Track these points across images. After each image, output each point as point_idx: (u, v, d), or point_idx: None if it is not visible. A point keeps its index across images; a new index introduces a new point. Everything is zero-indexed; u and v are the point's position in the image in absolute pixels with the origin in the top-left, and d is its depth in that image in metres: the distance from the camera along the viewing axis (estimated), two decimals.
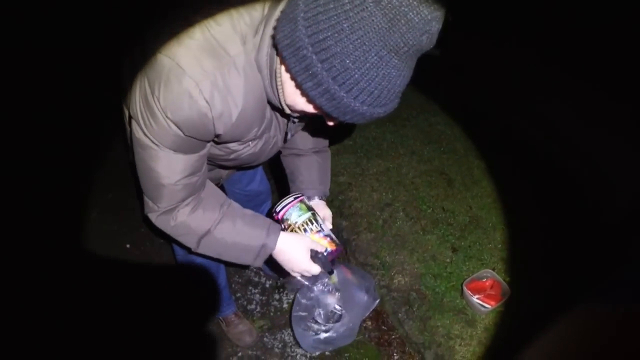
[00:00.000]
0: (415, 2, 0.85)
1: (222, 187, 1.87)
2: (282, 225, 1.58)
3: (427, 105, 3.85)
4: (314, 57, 0.93)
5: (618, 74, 2.84)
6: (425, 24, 0.87)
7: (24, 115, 3.43)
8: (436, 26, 0.89)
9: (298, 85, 1.02)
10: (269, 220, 1.46)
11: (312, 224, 1.58)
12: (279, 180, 1.74)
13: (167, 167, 1.21)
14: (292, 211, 1.59)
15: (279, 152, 1.77)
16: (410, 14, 0.85)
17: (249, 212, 1.45)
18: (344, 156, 3.27)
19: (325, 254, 1.56)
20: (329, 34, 0.89)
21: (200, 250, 1.40)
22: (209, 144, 1.29)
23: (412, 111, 3.75)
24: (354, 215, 2.88)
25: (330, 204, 2.95)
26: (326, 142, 1.80)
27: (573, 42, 3.17)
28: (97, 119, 3.70)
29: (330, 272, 1.65)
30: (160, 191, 1.26)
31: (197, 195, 1.34)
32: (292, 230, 1.56)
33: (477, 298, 2.30)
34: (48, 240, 2.83)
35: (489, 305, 2.28)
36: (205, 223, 1.35)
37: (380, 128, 3.51)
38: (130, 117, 1.20)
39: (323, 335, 2.27)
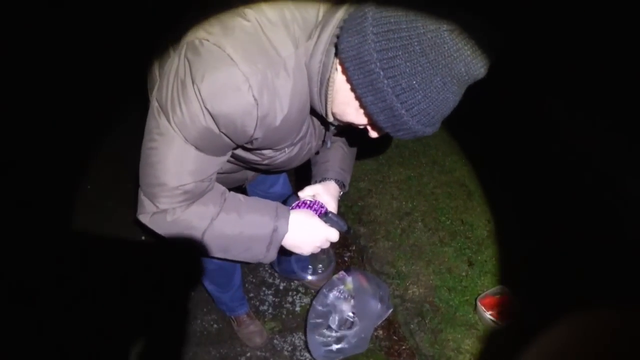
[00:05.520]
0: (483, 36, 0.90)
1: (244, 189, 1.87)
2: None
3: (450, 115, 3.82)
4: (381, 72, 0.94)
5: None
6: (487, 57, 0.92)
7: (45, 106, 3.52)
8: (493, 59, 0.94)
9: (357, 97, 1.04)
10: (275, 203, 1.36)
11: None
12: (301, 182, 1.77)
13: (179, 163, 1.14)
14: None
15: None
16: (478, 46, 0.90)
17: (252, 198, 1.35)
18: (366, 162, 3.29)
19: (329, 210, 1.47)
20: (399, 53, 0.92)
21: (205, 248, 1.30)
22: (229, 153, 1.25)
23: None
24: (373, 222, 2.90)
25: (349, 209, 2.98)
26: (345, 138, 1.75)
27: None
28: (119, 107, 3.78)
29: (348, 229, 1.50)
30: (164, 189, 1.17)
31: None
32: None
33: (490, 314, 2.32)
34: (64, 231, 2.90)
35: (501, 322, 2.29)
36: (207, 215, 1.24)
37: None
38: (154, 103, 1.14)
39: (335, 346, 2.30)
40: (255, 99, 1.03)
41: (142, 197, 1.22)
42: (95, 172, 3.36)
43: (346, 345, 2.30)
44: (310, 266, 2.70)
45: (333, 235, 1.40)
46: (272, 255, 1.34)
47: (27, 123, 3.35)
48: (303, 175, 1.75)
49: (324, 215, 1.43)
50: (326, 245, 1.42)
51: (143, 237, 2.94)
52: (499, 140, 3.39)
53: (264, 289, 2.80)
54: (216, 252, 1.32)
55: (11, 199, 2.91)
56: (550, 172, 3.19)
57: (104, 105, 3.75)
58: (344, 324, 2.34)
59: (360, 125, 1.16)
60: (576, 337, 0.62)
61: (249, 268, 2.87)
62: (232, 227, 1.27)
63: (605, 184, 2.94)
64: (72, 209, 3.09)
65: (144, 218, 1.23)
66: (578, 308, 0.60)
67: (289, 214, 1.34)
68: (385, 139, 1.23)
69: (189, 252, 1.34)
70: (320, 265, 2.71)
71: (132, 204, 2.90)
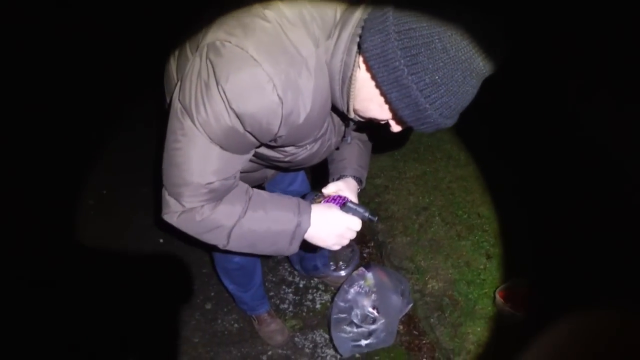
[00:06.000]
0: (498, 34, 0.95)
1: (263, 188, 1.90)
2: None
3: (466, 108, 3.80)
4: (405, 69, 0.98)
5: None
6: (501, 52, 0.97)
7: (52, 110, 3.60)
8: (508, 52, 0.98)
9: (382, 94, 1.07)
10: (296, 198, 1.39)
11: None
12: (318, 180, 1.78)
13: (204, 162, 1.16)
14: None
15: None
16: (495, 42, 0.96)
17: (275, 194, 1.38)
18: (381, 159, 3.32)
19: (348, 199, 1.49)
20: (422, 50, 0.95)
21: (231, 245, 1.32)
22: (252, 151, 1.28)
23: None
24: (390, 218, 2.93)
25: (366, 206, 2.99)
26: (365, 134, 1.77)
27: None
28: (133, 112, 3.83)
29: (372, 216, 1.49)
30: (189, 188, 1.19)
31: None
32: None
33: (509, 306, 2.33)
34: (82, 234, 2.97)
35: (520, 314, 2.30)
36: (234, 214, 1.27)
37: (418, 132, 3.46)
38: (177, 105, 1.15)
39: (364, 341, 2.33)
40: (279, 98, 1.05)
41: (167, 197, 1.24)
42: (111, 177, 3.43)
43: (374, 340, 2.33)
44: (332, 263, 2.74)
45: (354, 223, 1.41)
46: (295, 248, 1.37)
47: (44, 129, 3.42)
48: (320, 172, 1.77)
49: (343, 205, 1.45)
50: (351, 234, 1.43)
51: (161, 240, 3.00)
52: (514, 132, 3.38)
53: (284, 287, 2.83)
54: (243, 248, 1.35)
55: (28, 204, 2.97)
56: (567, 164, 3.17)
57: (119, 110, 3.82)
58: (366, 319, 2.37)
59: (382, 120, 1.19)
60: (576, 337, 0.62)
61: (269, 267, 2.90)
62: (259, 224, 1.30)
63: (624, 176, 2.91)
64: (89, 214, 3.16)
65: (170, 218, 1.25)
66: (580, 307, 0.62)
67: (310, 209, 1.36)
68: (400, 135, 1.26)
69: (213, 249, 1.36)
70: (341, 263, 2.74)
71: (148, 207, 2.94)
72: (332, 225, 1.39)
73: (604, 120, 3.09)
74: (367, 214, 1.47)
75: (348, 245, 1.72)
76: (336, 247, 1.45)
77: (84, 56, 4.13)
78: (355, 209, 1.46)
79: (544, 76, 3.43)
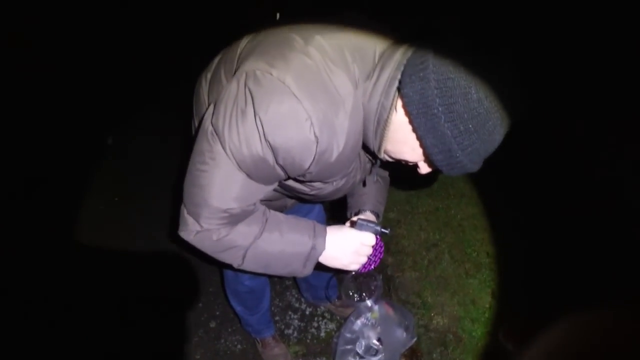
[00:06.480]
0: (525, 84, 1.02)
1: None
2: None
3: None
4: (442, 117, 1.01)
5: None
6: (527, 103, 1.03)
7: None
8: (532, 101, 1.05)
9: (418, 138, 1.10)
10: (312, 221, 1.41)
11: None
12: (335, 211, 1.80)
13: (227, 188, 1.18)
14: None
15: None
16: (523, 93, 1.02)
17: (291, 217, 1.40)
18: (395, 193, 3.35)
19: (362, 217, 1.53)
20: (459, 100, 0.99)
21: (246, 264, 1.34)
22: (277, 183, 1.29)
23: None
24: (400, 252, 2.96)
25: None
26: (387, 172, 1.81)
27: None
28: (155, 123, 3.92)
29: (385, 230, 1.51)
30: (209, 211, 1.21)
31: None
32: None
33: (512, 346, 2.33)
34: (89, 239, 3.04)
35: (523, 354, 2.30)
36: (250, 234, 1.29)
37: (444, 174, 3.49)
38: (208, 127, 1.16)
39: None
40: (316, 136, 1.07)
41: (186, 216, 1.26)
42: (124, 185, 3.53)
43: None
44: (356, 293, 2.77)
45: (367, 238, 1.44)
46: (309, 270, 1.40)
47: (60, 134, 3.52)
48: (337, 203, 1.82)
49: (355, 222, 1.48)
50: (366, 250, 1.46)
51: (169, 254, 3.02)
52: (525, 174, 3.40)
53: (290, 313, 2.85)
54: (257, 268, 1.37)
55: (41, 206, 3.05)
56: (580, 206, 3.18)
57: (136, 119, 3.91)
58: (369, 350, 2.39)
59: (412, 162, 1.22)
60: (576, 337, 0.62)
61: (276, 292, 2.93)
62: (274, 245, 1.32)
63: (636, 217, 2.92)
64: (99, 218, 3.24)
65: (187, 235, 1.27)
66: (578, 308, 0.63)
67: (325, 232, 1.39)
68: (417, 172, 1.29)
69: (226, 269, 1.39)
70: (364, 294, 2.77)
71: (158, 219, 2.98)
72: (346, 243, 1.42)
73: (615, 160, 3.10)
74: (379, 228, 1.48)
75: (371, 276, 1.76)
76: (354, 267, 1.47)
77: (104, 63, 4.26)
78: (367, 225, 1.47)
79: (553, 117, 3.47)
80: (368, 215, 1.64)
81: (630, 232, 2.76)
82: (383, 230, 1.50)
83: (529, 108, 1.04)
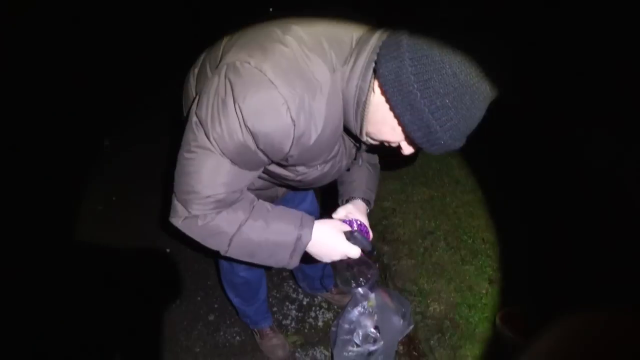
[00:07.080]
0: (505, 58, 1.02)
1: None
2: None
3: (474, 134, 3.82)
4: (418, 93, 1.03)
5: None
6: (507, 75, 1.04)
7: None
8: (512, 76, 1.05)
9: (395, 117, 1.11)
10: (300, 212, 1.43)
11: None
12: (327, 200, 1.81)
13: (213, 174, 1.22)
14: None
15: None
16: (501, 67, 1.02)
17: (280, 207, 1.43)
18: (390, 182, 3.36)
19: (355, 228, 1.51)
20: (434, 75, 1.01)
21: (232, 252, 1.37)
22: (261, 169, 1.33)
23: None
24: (396, 241, 2.96)
25: (373, 228, 2.95)
26: (377, 158, 1.82)
27: None
28: (150, 122, 3.92)
29: (372, 250, 1.56)
30: (197, 197, 1.25)
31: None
32: None
33: (509, 331, 2.34)
34: (89, 238, 3.05)
35: (520, 339, 2.31)
36: (235, 221, 1.32)
37: (426, 156, 3.54)
38: (193, 118, 1.21)
39: None
40: (292, 120, 1.11)
41: (176, 203, 1.31)
42: (121, 184, 3.54)
43: None
44: (352, 280, 2.77)
45: (352, 252, 1.46)
46: (295, 262, 1.42)
47: (57, 135, 3.52)
48: (329, 192, 1.82)
49: (350, 232, 1.48)
50: (345, 258, 1.48)
51: (168, 250, 3.06)
52: (521, 161, 3.40)
53: (287, 303, 2.86)
54: (242, 256, 1.40)
55: (39, 207, 3.05)
56: (575, 192, 3.18)
57: (132, 118, 3.92)
58: (367, 339, 2.40)
59: (394, 142, 1.24)
60: (574, 337, 0.64)
61: (274, 283, 2.94)
62: (258, 233, 1.35)
63: (631, 204, 2.91)
64: (97, 219, 3.24)
65: (176, 221, 1.32)
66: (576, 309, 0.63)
67: (313, 223, 1.41)
68: (409, 159, 1.30)
69: (217, 255, 1.42)
70: (361, 280, 2.78)
71: (156, 216, 2.99)
72: (329, 248, 1.45)
73: (611, 148, 3.10)
74: (369, 248, 1.51)
75: (368, 265, 1.78)
76: (326, 260, 1.49)
77: (100, 65, 4.26)
78: (360, 241, 1.48)
79: (551, 105, 3.46)
80: (357, 204, 1.65)
81: (627, 220, 2.77)
82: (370, 251, 1.55)
83: (511, 81, 1.04)
